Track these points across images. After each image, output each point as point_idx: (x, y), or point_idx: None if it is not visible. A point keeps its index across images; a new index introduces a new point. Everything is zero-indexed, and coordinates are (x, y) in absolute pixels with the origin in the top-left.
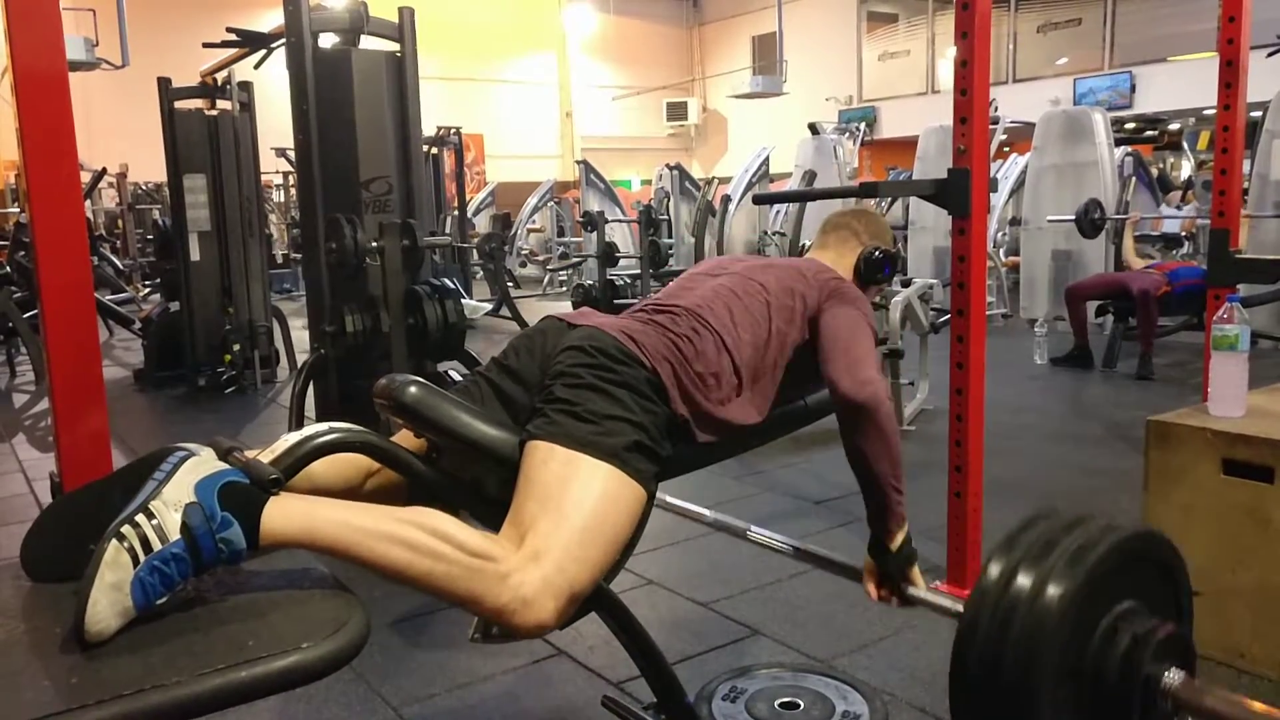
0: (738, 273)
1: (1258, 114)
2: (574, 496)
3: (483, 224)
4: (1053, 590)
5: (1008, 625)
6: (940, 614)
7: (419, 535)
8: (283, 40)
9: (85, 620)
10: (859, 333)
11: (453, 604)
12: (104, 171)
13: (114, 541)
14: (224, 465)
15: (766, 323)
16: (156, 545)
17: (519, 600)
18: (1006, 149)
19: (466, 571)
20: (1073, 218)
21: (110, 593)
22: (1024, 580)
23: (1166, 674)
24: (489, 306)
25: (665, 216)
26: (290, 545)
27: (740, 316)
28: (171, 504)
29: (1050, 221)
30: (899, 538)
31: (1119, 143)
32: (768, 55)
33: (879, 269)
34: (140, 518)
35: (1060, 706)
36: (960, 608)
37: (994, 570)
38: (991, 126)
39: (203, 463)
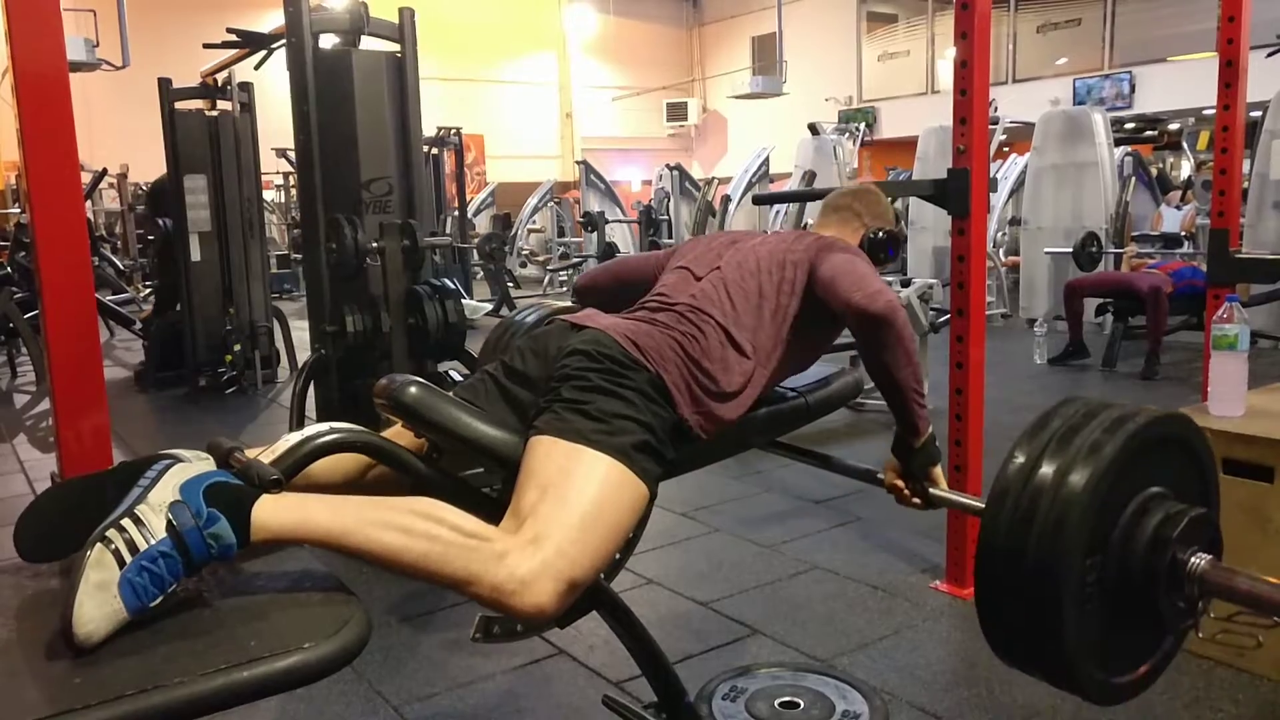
0: (731, 257)
1: (1257, 114)
2: (577, 485)
3: (483, 224)
4: (1080, 470)
5: (1034, 504)
6: (963, 510)
7: (413, 519)
8: (283, 41)
9: (72, 623)
10: (857, 262)
11: (451, 588)
12: (104, 172)
13: (99, 545)
14: (211, 468)
15: (763, 301)
16: (143, 546)
17: (516, 580)
18: (1006, 149)
19: (462, 551)
20: (1070, 250)
21: (96, 594)
22: (1050, 462)
23: (1194, 557)
24: (489, 306)
25: (665, 216)
26: (283, 539)
27: (739, 301)
28: (156, 506)
29: (1047, 253)
30: (923, 437)
31: (1118, 143)
32: (767, 56)
33: (883, 250)
34: (125, 521)
35: (1087, 587)
36: (983, 505)
37: (1020, 454)
38: (991, 127)
39: (189, 467)
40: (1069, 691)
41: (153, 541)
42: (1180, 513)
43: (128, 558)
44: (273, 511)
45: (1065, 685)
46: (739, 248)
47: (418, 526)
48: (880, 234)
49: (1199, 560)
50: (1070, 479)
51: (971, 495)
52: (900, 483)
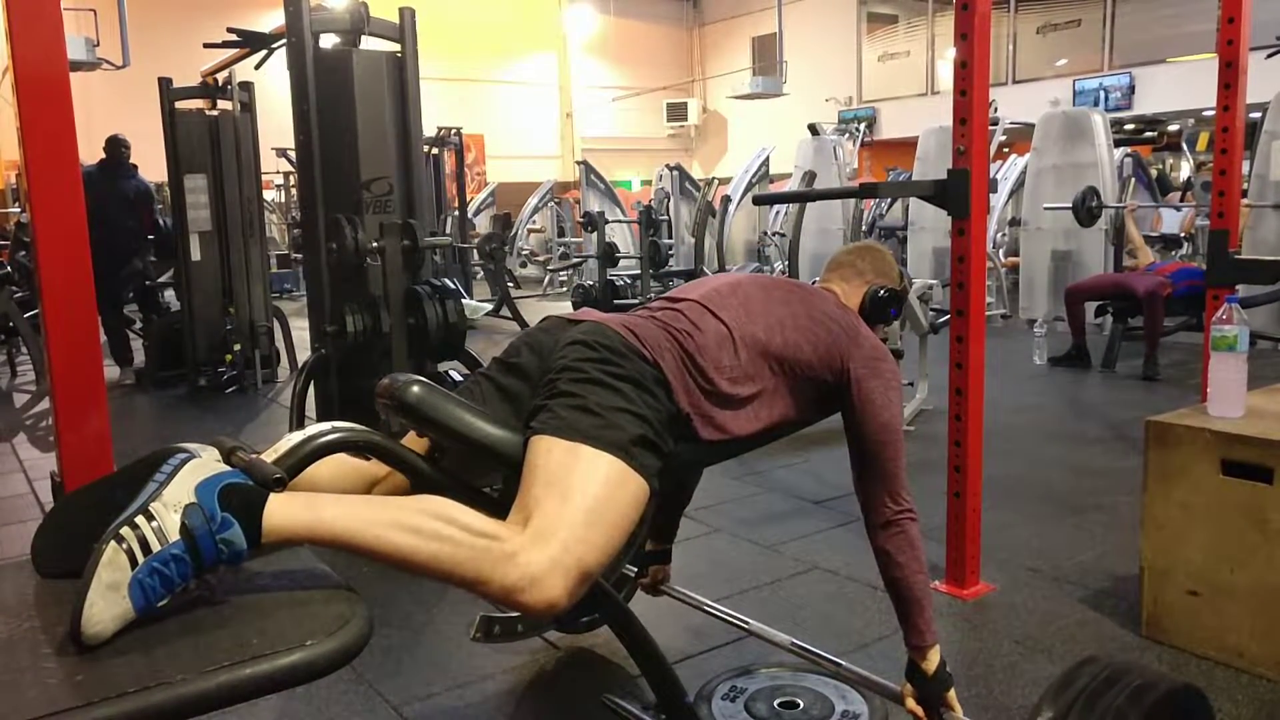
0: (755, 281)
1: (1257, 115)
2: (579, 481)
3: (483, 224)
4: None
5: None
6: None
7: (423, 520)
8: (283, 41)
9: (81, 622)
10: (895, 435)
11: (461, 586)
12: None
13: (112, 543)
14: (225, 466)
15: (781, 328)
16: (156, 547)
17: (527, 578)
18: (1006, 150)
19: (473, 552)
20: (1069, 206)
21: (107, 594)
22: None
23: None
24: (489, 307)
25: (665, 217)
26: (294, 540)
27: (757, 311)
28: (172, 505)
29: (1047, 209)
30: (934, 661)
31: (1118, 144)
32: (768, 56)
33: (885, 308)
34: (140, 519)
35: None
36: None
37: (1047, 711)
38: (991, 127)
39: (204, 464)
40: None
41: (166, 543)
42: None
43: (140, 557)
44: (284, 514)
45: None
46: (772, 281)
47: (428, 527)
48: (883, 292)
49: None
50: None
51: None
52: (919, 710)
